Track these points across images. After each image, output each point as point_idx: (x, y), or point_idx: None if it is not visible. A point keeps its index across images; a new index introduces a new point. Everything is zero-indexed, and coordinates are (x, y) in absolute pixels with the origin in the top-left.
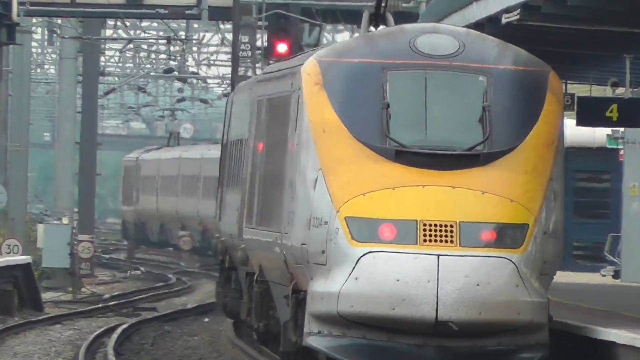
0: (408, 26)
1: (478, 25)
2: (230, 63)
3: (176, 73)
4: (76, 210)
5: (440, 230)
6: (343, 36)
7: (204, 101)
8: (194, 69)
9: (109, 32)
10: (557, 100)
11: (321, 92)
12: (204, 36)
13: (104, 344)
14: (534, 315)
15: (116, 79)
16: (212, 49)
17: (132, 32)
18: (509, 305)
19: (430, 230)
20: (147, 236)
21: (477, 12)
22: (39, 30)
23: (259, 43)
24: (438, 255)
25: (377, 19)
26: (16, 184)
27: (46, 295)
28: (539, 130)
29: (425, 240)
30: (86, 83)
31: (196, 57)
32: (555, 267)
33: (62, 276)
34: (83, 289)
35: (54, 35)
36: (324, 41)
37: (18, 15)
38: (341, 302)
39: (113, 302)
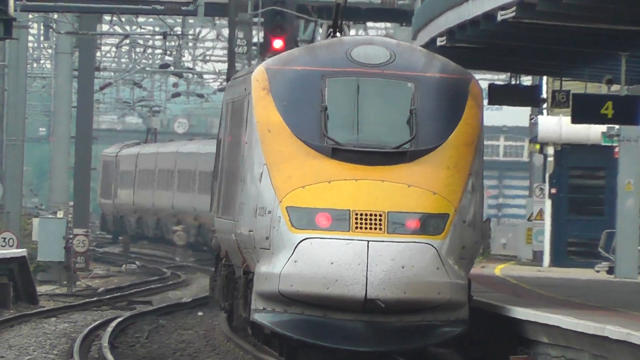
0: (346, 38)
1: (474, 23)
2: (226, 59)
3: (172, 68)
4: (71, 204)
5: (370, 219)
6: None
7: (200, 95)
8: (190, 65)
9: (105, 28)
10: (477, 104)
11: (267, 96)
12: (200, 32)
13: (99, 337)
14: (453, 294)
15: (112, 74)
16: (208, 44)
17: (128, 28)
18: (430, 285)
19: (361, 219)
20: (125, 229)
21: (472, 9)
22: (35, 25)
23: (255, 39)
24: (368, 241)
25: (334, 30)
26: (12, 178)
27: (41, 289)
28: (460, 131)
29: (356, 228)
30: (82, 78)
31: (192, 52)
32: (473, 252)
33: (57, 270)
34: (78, 283)
35: (50, 30)
36: (319, 38)
37: (15, 10)
38: (282, 282)
39: (108, 296)
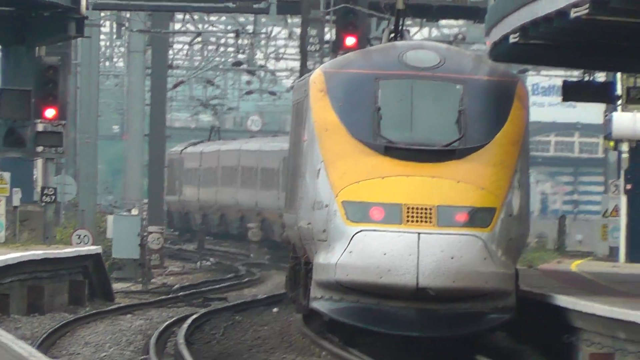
0: (398, 43)
1: (547, 20)
2: (298, 57)
3: (245, 66)
4: (145, 201)
5: (421, 213)
6: (412, 30)
7: (272, 93)
8: (263, 62)
9: (177, 26)
10: (523, 105)
11: (325, 98)
12: (272, 30)
13: (175, 334)
14: (500, 283)
15: (184, 72)
16: (280, 42)
17: (200, 26)
18: (478, 275)
19: (412, 212)
20: (190, 225)
21: (545, 6)
22: (108, 23)
23: (327, 37)
24: (419, 233)
25: (395, 35)
26: (86, 176)
27: (116, 286)
28: (506, 130)
29: (408, 221)
30: (155, 76)
31: (264, 50)
32: (520, 244)
33: (132, 267)
34: (153, 280)
35: (123, 28)
36: (383, 39)
37: (87, 9)
38: (338, 271)
39: (183, 293)
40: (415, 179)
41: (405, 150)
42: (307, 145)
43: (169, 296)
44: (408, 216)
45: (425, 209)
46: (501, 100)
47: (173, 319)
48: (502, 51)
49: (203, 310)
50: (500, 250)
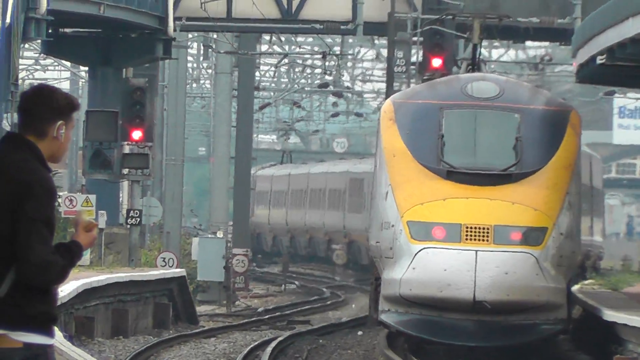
0: (462, 75)
1: (634, 41)
2: (384, 78)
3: (331, 87)
4: (230, 224)
5: (479, 232)
6: (499, 52)
7: (358, 114)
8: (349, 84)
9: (264, 47)
10: (576, 133)
11: (393, 126)
12: (359, 51)
13: (258, 357)
14: (551, 297)
15: (271, 93)
16: (367, 64)
17: (287, 47)
18: (530, 289)
19: (471, 231)
20: (262, 246)
21: (633, 27)
22: (195, 45)
23: (413, 58)
24: (476, 251)
25: (473, 67)
26: (171, 198)
27: (201, 309)
28: (559, 156)
29: (467, 239)
30: (241, 97)
31: (351, 72)
32: (571, 261)
33: (216, 289)
34: (237, 302)
35: (210, 50)
36: (461, 70)
37: (174, 30)
38: (402, 286)
39: (267, 316)
40: (474, 201)
41: (465, 174)
42: (377, 169)
43: (253, 319)
44: (467, 235)
45: (483, 228)
46: (555, 128)
47: (257, 342)
48: (588, 73)
49: (287, 334)
50: (551, 267)
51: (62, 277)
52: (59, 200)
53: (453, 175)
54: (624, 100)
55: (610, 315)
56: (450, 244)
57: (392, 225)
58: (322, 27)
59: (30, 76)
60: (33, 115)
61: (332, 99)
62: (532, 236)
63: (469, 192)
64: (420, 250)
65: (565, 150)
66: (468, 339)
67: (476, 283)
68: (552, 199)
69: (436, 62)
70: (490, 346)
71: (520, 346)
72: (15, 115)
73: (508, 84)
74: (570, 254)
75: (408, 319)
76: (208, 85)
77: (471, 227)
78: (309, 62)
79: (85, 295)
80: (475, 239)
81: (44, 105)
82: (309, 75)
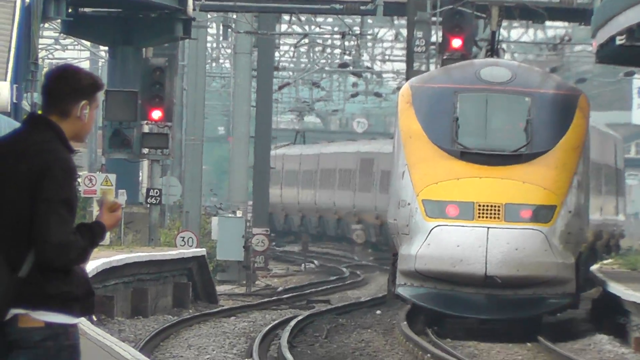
0: (476, 61)
1: None
2: (404, 58)
3: (351, 68)
4: (250, 203)
5: (491, 210)
6: (517, 32)
7: (378, 94)
8: (368, 64)
9: (283, 27)
10: (584, 115)
11: (410, 109)
12: (378, 31)
13: (278, 336)
14: (559, 272)
15: (290, 73)
16: (386, 44)
17: (306, 27)
18: (539, 264)
19: (483, 209)
20: (274, 224)
21: None
22: (214, 25)
23: (433, 38)
24: (488, 228)
25: (492, 53)
26: (191, 178)
27: (220, 288)
28: (568, 138)
29: (479, 217)
30: (261, 77)
31: (370, 52)
32: (579, 237)
33: (236, 269)
34: (257, 282)
35: (229, 30)
36: (481, 54)
37: (194, 10)
38: (418, 261)
39: (287, 295)
40: (486, 180)
41: (478, 155)
42: (395, 150)
43: (273, 298)
44: (479, 213)
45: (495, 206)
46: (564, 111)
47: (276, 322)
48: (608, 53)
49: (306, 313)
50: (559, 243)
51: (82, 257)
52: (79, 179)
53: (466, 155)
54: None
55: (630, 294)
56: (463, 221)
57: (409, 204)
58: (341, 7)
59: (50, 56)
60: (56, 96)
61: (351, 79)
62: (542, 214)
63: (482, 171)
64: (434, 227)
65: (574, 132)
66: (479, 312)
67: (487, 259)
68: (560, 179)
69: (456, 43)
70: (500, 319)
71: (536, 323)
72: (36, 95)
73: (520, 69)
74: (578, 230)
75: (423, 292)
76: (227, 65)
77: (483, 205)
78: (328, 42)
79: (105, 274)
80: (487, 217)
81: (67, 85)
82: (329, 56)
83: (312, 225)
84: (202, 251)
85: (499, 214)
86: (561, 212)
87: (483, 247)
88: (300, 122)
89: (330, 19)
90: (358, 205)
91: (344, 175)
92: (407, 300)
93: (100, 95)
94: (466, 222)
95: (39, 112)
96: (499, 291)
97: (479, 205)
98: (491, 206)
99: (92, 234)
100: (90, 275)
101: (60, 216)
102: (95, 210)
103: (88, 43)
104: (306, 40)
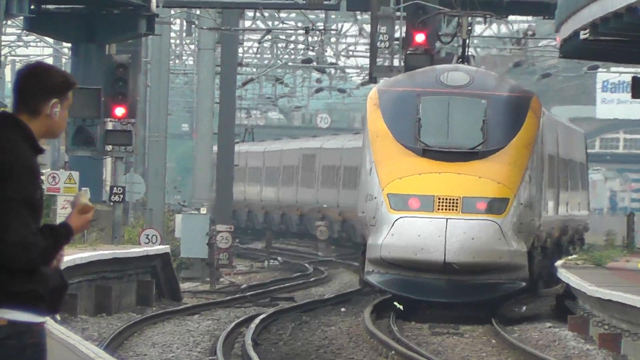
0: (437, 66)
1: (617, 15)
2: (368, 54)
3: (314, 63)
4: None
5: (449, 202)
6: (481, 27)
7: (342, 90)
8: (333, 60)
9: (247, 23)
10: (536, 116)
11: (377, 110)
12: (342, 27)
13: (242, 334)
14: (512, 259)
15: (254, 69)
16: (350, 39)
17: (270, 23)
18: (493, 252)
19: (442, 202)
20: (239, 221)
21: (616, 2)
22: (178, 21)
23: (397, 34)
24: (446, 219)
25: (463, 60)
26: (155, 175)
27: (184, 286)
28: (520, 136)
29: (438, 209)
30: (224, 74)
31: (334, 47)
32: (530, 227)
33: (200, 266)
34: (221, 279)
35: (193, 26)
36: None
37: (157, 7)
38: (383, 250)
39: (251, 292)
40: (445, 176)
41: (438, 152)
42: (363, 149)
43: (237, 296)
44: (439, 205)
45: (453, 199)
46: (517, 112)
47: (240, 319)
48: (571, 47)
49: (270, 311)
50: (512, 232)
51: (43, 258)
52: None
53: (427, 153)
54: (607, 74)
55: (594, 290)
56: (424, 213)
57: (375, 197)
58: (305, 2)
59: (13, 52)
60: (26, 94)
61: (315, 74)
62: (496, 206)
63: (441, 167)
64: (398, 219)
65: (526, 131)
66: (440, 295)
67: (446, 247)
68: (513, 174)
69: (419, 38)
70: (459, 302)
71: (483, 302)
72: None
73: (477, 73)
74: (529, 221)
75: (388, 278)
76: (191, 62)
77: (442, 198)
78: (292, 38)
79: (68, 272)
80: (446, 209)
81: (37, 84)
82: (292, 51)
83: (275, 222)
84: (165, 248)
85: (456, 206)
86: (514, 204)
87: (442, 237)
88: (248, 119)
89: (293, 14)
90: (321, 201)
91: (287, 171)
92: (374, 286)
93: (72, 94)
94: (427, 213)
95: (4, 109)
96: (458, 277)
97: (439, 199)
98: (450, 199)
99: (55, 235)
100: None
101: (20, 216)
102: (60, 208)
103: (51, 40)
104: (270, 36)
